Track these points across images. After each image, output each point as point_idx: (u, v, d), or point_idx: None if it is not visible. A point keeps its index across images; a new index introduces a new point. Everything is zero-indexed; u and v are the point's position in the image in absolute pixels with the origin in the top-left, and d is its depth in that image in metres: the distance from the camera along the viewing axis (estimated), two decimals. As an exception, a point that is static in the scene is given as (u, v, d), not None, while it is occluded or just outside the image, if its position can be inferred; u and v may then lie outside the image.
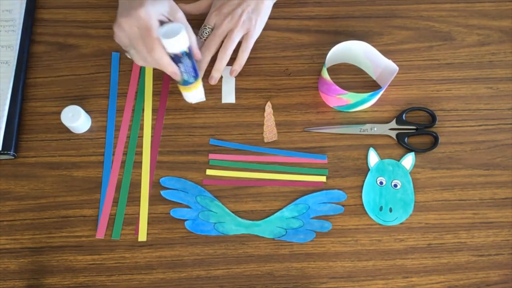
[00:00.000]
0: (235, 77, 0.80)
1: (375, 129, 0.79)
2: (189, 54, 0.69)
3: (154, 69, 0.81)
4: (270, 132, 0.79)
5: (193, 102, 0.78)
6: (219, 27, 0.76)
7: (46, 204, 0.75)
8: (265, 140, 0.78)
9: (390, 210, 0.75)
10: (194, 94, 0.76)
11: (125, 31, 0.67)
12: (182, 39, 0.66)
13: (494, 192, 0.77)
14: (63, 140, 0.78)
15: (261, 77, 0.81)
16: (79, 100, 0.80)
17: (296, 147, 0.78)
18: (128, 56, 0.71)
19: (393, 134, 0.78)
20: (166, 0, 0.69)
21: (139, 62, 0.70)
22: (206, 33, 0.77)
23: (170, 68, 0.69)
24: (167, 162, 0.77)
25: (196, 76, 0.73)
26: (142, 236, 0.74)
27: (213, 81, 0.79)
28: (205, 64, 0.77)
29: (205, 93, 0.79)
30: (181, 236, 0.74)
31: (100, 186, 0.76)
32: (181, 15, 0.70)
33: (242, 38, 0.77)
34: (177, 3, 0.71)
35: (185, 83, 0.73)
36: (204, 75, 0.78)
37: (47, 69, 0.81)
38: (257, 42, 0.82)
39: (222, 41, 0.77)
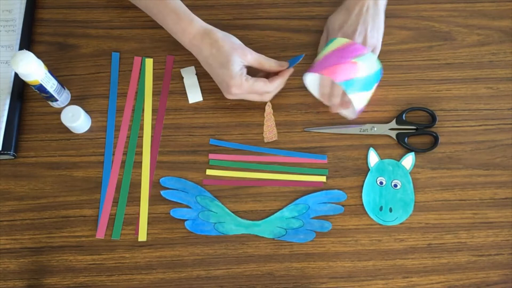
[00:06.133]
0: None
1: (375, 129, 0.79)
2: None
3: (154, 69, 0.81)
4: (270, 132, 0.79)
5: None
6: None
7: (46, 204, 0.75)
8: (265, 140, 0.78)
9: (390, 210, 0.75)
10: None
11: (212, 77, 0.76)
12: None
13: (494, 192, 0.77)
14: (63, 140, 0.78)
15: (261, 77, 0.81)
16: (79, 100, 0.80)
17: (296, 147, 0.78)
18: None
19: (393, 134, 0.78)
20: (237, 52, 0.73)
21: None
22: None
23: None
24: (167, 162, 0.77)
25: None
26: (142, 236, 0.74)
27: None
28: None
29: (203, 92, 0.79)
30: (181, 236, 0.74)
31: (100, 186, 0.76)
32: (250, 57, 0.74)
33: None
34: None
35: None
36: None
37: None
38: (257, 42, 0.82)
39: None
